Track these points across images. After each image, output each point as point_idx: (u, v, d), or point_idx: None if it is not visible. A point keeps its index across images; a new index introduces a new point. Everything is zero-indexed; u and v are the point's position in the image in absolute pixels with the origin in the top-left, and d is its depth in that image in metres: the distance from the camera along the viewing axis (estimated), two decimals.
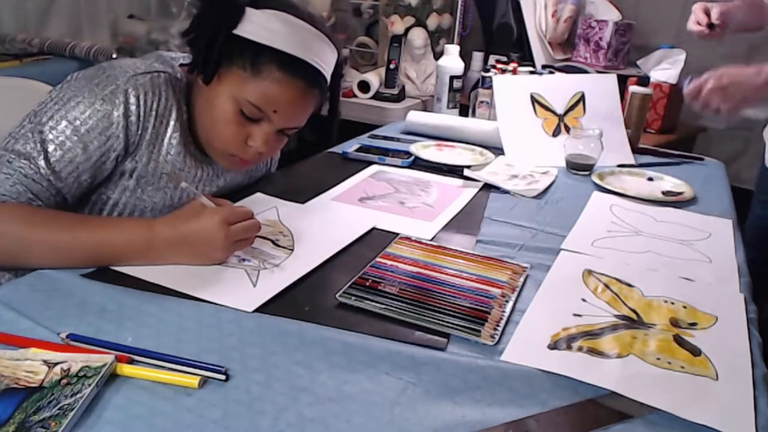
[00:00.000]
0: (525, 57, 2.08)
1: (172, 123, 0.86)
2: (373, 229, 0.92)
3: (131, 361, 0.57)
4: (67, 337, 0.59)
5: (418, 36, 2.03)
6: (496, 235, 0.93)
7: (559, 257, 0.86)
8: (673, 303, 0.75)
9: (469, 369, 0.60)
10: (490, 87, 1.55)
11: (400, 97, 1.99)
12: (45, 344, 0.58)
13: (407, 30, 2.06)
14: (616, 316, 0.72)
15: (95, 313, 0.65)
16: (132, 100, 0.80)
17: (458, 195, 1.10)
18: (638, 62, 2.04)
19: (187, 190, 0.78)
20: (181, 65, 0.90)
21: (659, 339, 0.67)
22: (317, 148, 1.35)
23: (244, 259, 0.78)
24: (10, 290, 0.69)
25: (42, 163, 0.76)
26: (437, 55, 2.05)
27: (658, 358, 0.64)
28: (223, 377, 0.56)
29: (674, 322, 0.71)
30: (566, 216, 1.02)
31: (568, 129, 1.36)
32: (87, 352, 0.57)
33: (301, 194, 1.03)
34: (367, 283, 0.74)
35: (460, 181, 1.17)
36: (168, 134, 0.86)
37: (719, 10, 1.31)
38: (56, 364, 0.56)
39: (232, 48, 0.81)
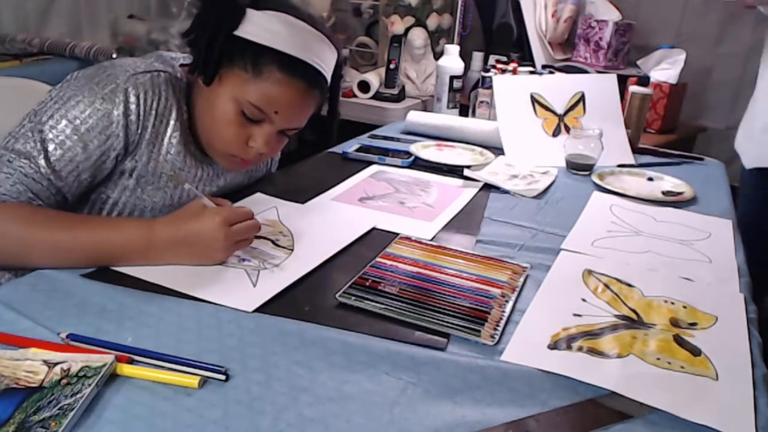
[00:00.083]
0: (525, 57, 2.08)
1: (172, 122, 0.86)
2: (373, 229, 0.92)
3: (131, 361, 0.57)
4: (67, 337, 0.59)
5: (418, 36, 2.03)
6: (496, 235, 0.93)
7: (559, 257, 0.86)
8: (673, 303, 0.75)
9: (469, 369, 0.60)
10: (490, 87, 1.55)
11: (400, 97, 1.99)
12: (45, 344, 0.58)
13: (407, 30, 2.06)
14: (616, 316, 0.72)
15: (95, 313, 0.65)
16: (132, 99, 0.80)
17: (458, 195, 1.10)
18: (638, 62, 2.04)
19: (189, 191, 0.78)
20: (182, 65, 0.90)
21: (659, 339, 0.67)
22: (317, 148, 1.35)
23: (244, 259, 0.78)
24: (10, 290, 0.69)
25: (42, 162, 0.76)
26: (437, 55, 2.05)
27: (658, 358, 0.64)
28: (223, 377, 0.56)
29: (674, 322, 0.71)
30: (566, 216, 1.02)
31: (568, 129, 1.36)
32: (87, 352, 0.57)
33: (301, 194, 1.03)
34: (367, 283, 0.74)
35: (460, 181, 1.17)
36: (168, 134, 0.86)
37: None
38: (56, 364, 0.56)
39: (233, 49, 0.81)
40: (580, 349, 0.64)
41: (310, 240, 0.86)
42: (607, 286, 0.79)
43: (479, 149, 1.35)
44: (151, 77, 0.83)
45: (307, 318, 0.67)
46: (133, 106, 0.81)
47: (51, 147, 0.77)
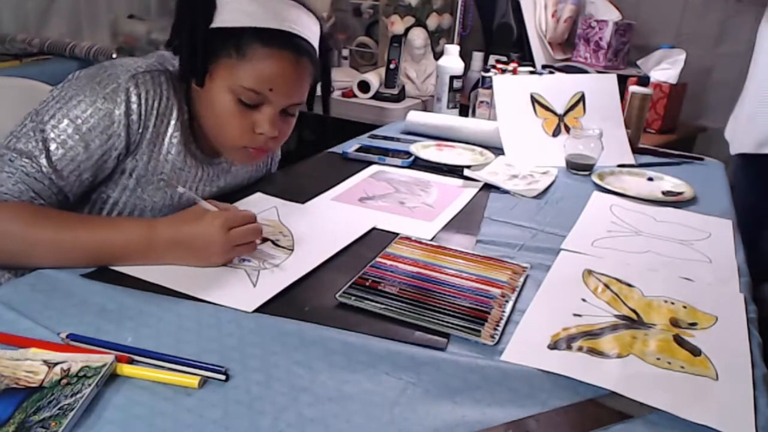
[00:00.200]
0: (525, 57, 2.08)
1: (173, 122, 0.86)
2: (373, 229, 0.92)
3: (131, 361, 0.57)
4: (67, 337, 0.59)
5: (418, 36, 2.03)
6: (496, 235, 0.93)
7: (559, 257, 0.86)
8: (673, 303, 0.75)
9: (469, 369, 0.60)
10: (490, 87, 1.55)
11: (400, 97, 1.99)
12: (45, 344, 0.58)
13: (407, 30, 2.06)
14: (616, 316, 0.72)
15: (95, 313, 0.65)
16: (133, 98, 0.80)
17: (458, 195, 1.10)
18: (638, 62, 2.04)
19: (185, 195, 0.78)
20: None
21: (659, 339, 0.67)
22: (317, 148, 1.35)
23: (244, 259, 0.78)
24: (10, 290, 0.69)
25: (44, 161, 0.76)
26: (437, 55, 2.05)
27: (658, 358, 0.64)
28: (223, 377, 0.56)
29: (674, 322, 0.71)
30: (566, 216, 1.02)
31: (568, 129, 1.36)
32: (87, 352, 0.57)
33: (301, 194, 1.03)
34: (367, 283, 0.74)
35: (460, 181, 1.17)
36: (169, 133, 0.86)
37: None
38: (56, 364, 0.56)
39: (215, 42, 0.81)
40: (580, 349, 0.64)
41: (310, 240, 0.86)
42: (607, 286, 0.79)
43: (479, 149, 1.35)
44: (153, 76, 0.83)
45: (307, 318, 0.67)
46: (134, 106, 0.81)
47: (53, 146, 0.77)
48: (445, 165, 1.23)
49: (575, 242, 0.92)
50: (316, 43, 0.87)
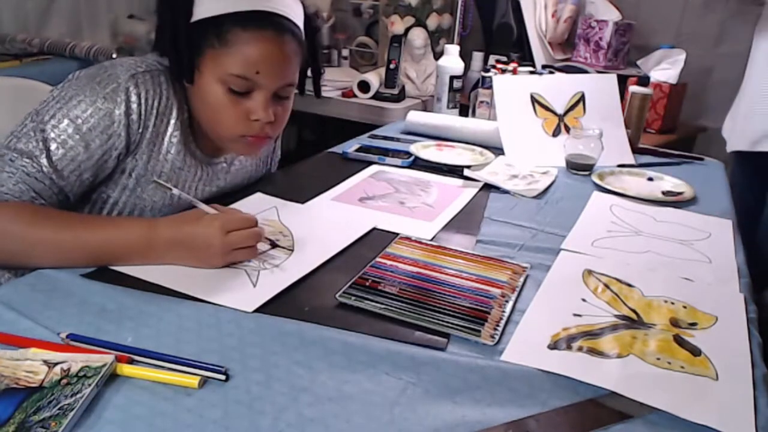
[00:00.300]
0: (525, 57, 2.08)
1: (172, 121, 0.86)
2: (373, 229, 0.92)
3: (131, 361, 0.57)
4: (67, 337, 0.59)
5: (418, 36, 2.03)
6: (496, 235, 0.93)
7: (559, 257, 0.86)
8: (673, 303, 0.75)
9: (469, 369, 0.60)
10: (490, 87, 1.55)
11: (400, 97, 1.99)
12: (45, 344, 0.58)
13: (407, 30, 2.06)
14: (616, 316, 0.72)
15: (95, 313, 0.65)
16: (133, 98, 0.81)
17: (458, 195, 1.10)
18: (638, 62, 2.04)
19: (181, 197, 0.78)
20: None
21: (659, 339, 0.67)
22: (317, 148, 1.35)
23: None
24: (10, 290, 0.69)
25: (44, 161, 0.76)
26: (437, 55, 2.05)
27: (658, 358, 0.64)
28: (223, 377, 0.56)
29: (674, 322, 0.71)
30: (566, 216, 1.02)
31: (568, 129, 1.36)
32: (87, 352, 0.57)
33: (301, 194, 1.03)
34: (367, 283, 0.74)
35: (460, 181, 1.17)
36: (168, 132, 0.86)
37: None
38: (56, 364, 0.56)
39: (197, 36, 0.81)
40: (580, 349, 0.64)
41: (310, 240, 0.86)
42: (607, 286, 0.79)
43: (479, 149, 1.35)
44: (152, 76, 0.83)
45: (307, 318, 0.67)
46: (134, 105, 0.81)
47: (53, 146, 0.77)
48: (445, 165, 1.23)
49: (575, 242, 0.92)
50: (299, 22, 0.86)
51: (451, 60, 1.64)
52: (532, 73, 1.70)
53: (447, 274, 0.78)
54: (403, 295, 0.72)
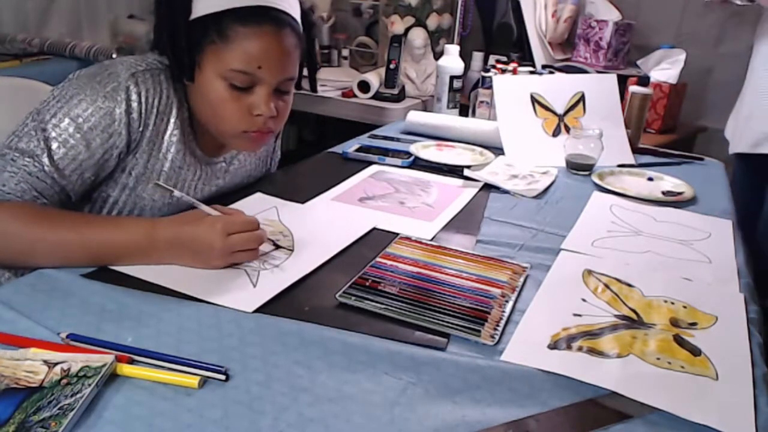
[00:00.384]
0: (525, 57, 2.08)
1: (172, 120, 0.86)
2: (373, 229, 0.92)
3: (131, 361, 0.57)
4: (67, 337, 0.59)
5: (418, 36, 2.03)
6: (496, 235, 0.93)
7: (559, 257, 0.86)
8: (673, 303, 0.75)
9: (469, 369, 0.60)
10: (490, 87, 1.55)
11: (400, 97, 1.99)
12: (45, 344, 0.58)
13: (407, 30, 2.06)
14: (616, 316, 0.72)
15: (95, 313, 0.65)
16: (134, 96, 0.81)
17: (458, 195, 1.10)
18: (638, 62, 2.04)
19: (183, 199, 0.78)
20: None
21: (659, 339, 0.67)
22: (317, 148, 1.35)
23: None
24: (10, 290, 0.69)
25: (46, 160, 0.76)
26: (437, 55, 2.05)
27: (658, 358, 0.64)
28: (223, 377, 0.56)
29: (674, 322, 0.71)
30: (566, 216, 1.02)
31: (568, 129, 1.36)
32: (87, 352, 0.57)
33: (301, 194, 1.03)
34: (367, 283, 0.74)
35: (460, 181, 1.17)
36: (168, 131, 0.86)
37: None
38: (56, 364, 0.56)
39: (197, 33, 0.81)
40: (580, 349, 0.64)
41: (310, 240, 0.86)
42: (607, 286, 0.79)
43: (479, 149, 1.35)
44: (153, 75, 0.83)
45: (307, 318, 0.67)
46: (135, 104, 0.81)
47: (54, 145, 0.77)
48: (445, 165, 1.23)
49: (575, 242, 0.92)
50: (297, 16, 0.86)
51: (451, 60, 1.64)
52: (532, 73, 1.70)
53: (447, 274, 0.78)
54: (403, 295, 0.72)
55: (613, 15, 2.11)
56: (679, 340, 0.67)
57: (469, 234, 0.94)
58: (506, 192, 1.13)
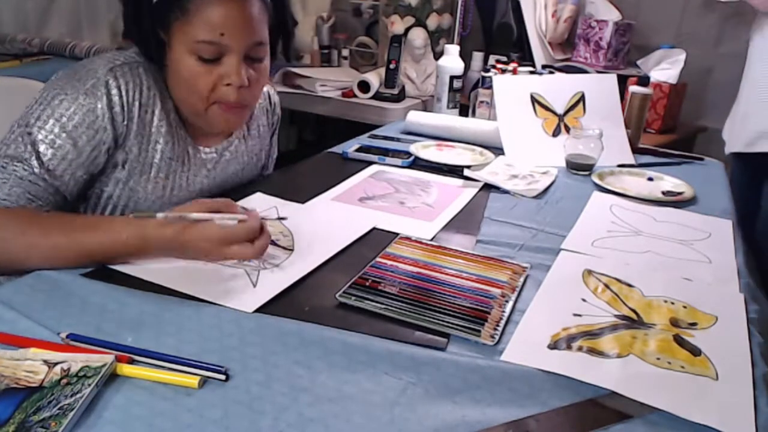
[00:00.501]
0: (525, 57, 2.08)
1: (157, 111, 0.86)
2: (373, 229, 0.92)
3: (131, 361, 0.57)
4: (67, 337, 0.59)
5: (418, 36, 2.03)
6: (496, 235, 0.93)
7: (559, 257, 0.86)
8: (673, 303, 0.75)
9: (469, 369, 0.60)
10: (490, 87, 1.55)
11: (400, 97, 1.99)
12: (45, 344, 0.58)
13: (407, 30, 2.06)
14: (616, 316, 0.72)
15: (95, 313, 0.65)
16: (114, 91, 0.81)
17: (458, 195, 1.10)
18: (638, 62, 2.04)
19: (168, 218, 0.75)
20: None
21: (659, 339, 0.67)
22: (317, 148, 1.35)
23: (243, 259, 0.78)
24: (10, 290, 0.68)
25: (35, 163, 0.77)
26: (437, 55, 2.05)
27: (658, 358, 0.64)
28: (223, 377, 0.56)
29: (674, 322, 0.71)
30: (566, 216, 1.02)
31: (568, 129, 1.36)
32: (87, 352, 0.57)
33: (301, 194, 1.03)
34: (367, 283, 0.74)
35: (460, 181, 1.17)
36: (155, 123, 0.87)
37: None
38: (56, 364, 0.56)
39: (162, 13, 0.81)
40: (580, 349, 0.64)
41: (310, 240, 0.86)
42: (607, 286, 0.79)
43: (479, 149, 1.35)
44: (131, 68, 0.84)
45: (307, 318, 0.67)
46: (116, 98, 0.81)
47: (42, 148, 0.77)
48: (445, 165, 1.23)
49: (575, 242, 0.92)
50: None
51: (451, 60, 1.64)
52: (532, 73, 1.70)
53: (447, 274, 0.78)
54: (403, 295, 0.72)
55: (613, 15, 2.11)
56: (679, 340, 0.67)
57: (469, 234, 0.94)
58: (506, 192, 1.13)
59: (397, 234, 0.90)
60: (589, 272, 0.82)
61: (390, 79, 1.99)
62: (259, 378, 0.57)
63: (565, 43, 2.29)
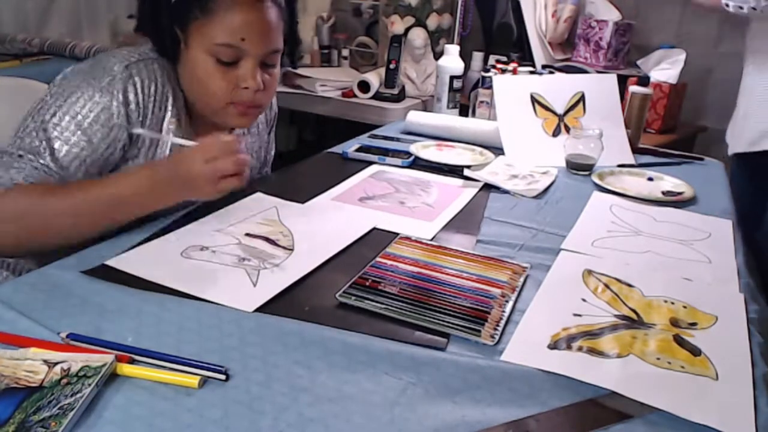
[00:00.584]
0: (525, 57, 2.07)
1: (170, 108, 0.88)
2: (373, 229, 0.92)
3: (131, 361, 0.57)
4: (67, 336, 0.59)
5: (418, 36, 2.03)
6: (496, 235, 0.93)
7: (559, 257, 0.86)
8: (673, 303, 0.75)
9: (469, 369, 0.60)
10: (490, 87, 1.55)
11: (400, 97, 1.99)
12: (45, 344, 0.58)
13: (407, 30, 2.06)
14: (616, 316, 0.72)
15: (95, 313, 0.65)
16: (130, 88, 0.82)
17: (458, 195, 1.10)
18: (638, 62, 2.04)
19: (145, 135, 0.82)
20: None
21: (659, 339, 0.67)
22: (317, 148, 1.35)
23: (244, 259, 0.78)
24: (10, 290, 0.69)
25: (49, 159, 0.78)
26: (437, 55, 2.05)
27: (658, 358, 0.64)
28: (223, 377, 0.56)
29: (674, 322, 0.71)
30: (566, 216, 1.02)
31: (568, 129, 1.36)
32: (87, 351, 0.57)
33: (301, 194, 1.03)
34: (367, 283, 0.74)
35: (460, 181, 1.17)
36: (167, 119, 0.88)
37: None
38: (56, 363, 0.56)
39: (180, 11, 0.82)
40: (580, 349, 0.64)
41: (310, 240, 0.86)
42: (607, 286, 0.79)
43: (479, 149, 1.35)
44: (146, 65, 0.84)
45: (307, 318, 0.67)
46: (131, 96, 0.82)
47: (57, 144, 0.78)
48: (445, 165, 1.23)
49: (575, 242, 0.92)
50: None
51: (451, 60, 1.64)
52: (532, 73, 1.70)
53: (447, 274, 0.78)
54: (403, 295, 0.72)
55: (613, 15, 2.11)
56: (679, 340, 0.67)
57: (469, 234, 0.94)
58: (506, 192, 1.13)
59: (397, 234, 0.90)
60: (589, 272, 0.82)
61: (390, 79, 1.99)
62: (259, 378, 0.57)
63: (565, 43, 2.29)
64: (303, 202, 1.01)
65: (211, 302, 0.68)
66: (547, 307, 0.73)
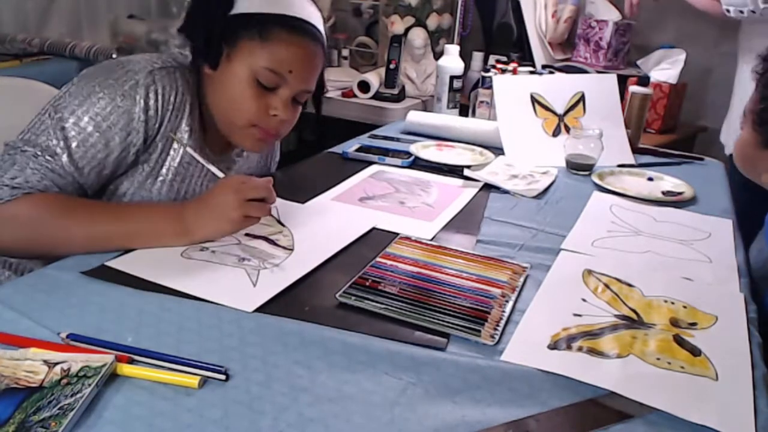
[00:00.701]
0: (525, 57, 2.08)
1: (185, 117, 0.88)
2: (373, 229, 0.92)
3: (131, 361, 0.57)
4: (67, 337, 0.59)
5: (418, 36, 2.03)
6: (496, 235, 0.93)
7: (559, 257, 0.86)
8: (673, 303, 0.75)
9: (469, 369, 0.60)
10: (490, 87, 1.55)
11: (400, 97, 1.99)
12: (45, 344, 0.58)
13: (407, 30, 2.06)
14: (616, 316, 0.72)
15: (95, 313, 0.65)
16: (152, 95, 0.82)
17: (458, 195, 1.10)
18: (638, 62, 2.04)
19: (189, 151, 0.85)
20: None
21: (659, 339, 0.67)
22: (317, 148, 1.35)
23: (244, 259, 0.78)
24: (10, 290, 0.69)
25: (65, 159, 0.78)
26: (437, 55, 2.05)
27: (658, 358, 0.64)
28: (223, 377, 0.56)
29: (674, 322, 0.71)
30: (566, 216, 1.02)
31: (568, 129, 1.36)
32: (87, 352, 0.57)
33: (301, 194, 1.03)
34: (367, 283, 0.74)
35: (460, 181, 1.17)
36: (181, 128, 0.88)
37: None
38: (56, 364, 0.56)
39: (235, 26, 0.83)
40: (580, 349, 0.64)
41: (310, 240, 0.86)
42: (607, 286, 0.79)
43: (479, 149, 1.35)
44: (168, 72, 0.85)
45: (307, 318, 0.67)
46: (152, 102, 0.82)
47: (74, 144, 0.78)
48: (445, 165, 1.23)
49: (575, 242, 0.92)
50: (325, 41, 0.91)
51: (451, 60, 1.64)
52: (532, 73, 1.70)
53: (447, 274, 0.78)
54: (403, 295, 0.72)
55: (613, 15, 2.11)
56: (679, 340, 0.67)
57: (469, 234, 0.94)
58: (506, 192, 1.13)
59: (397, 234, 0.90)
60: (589, 272, 0.82)
61: (390, 79, 1.99)
62: (259, 378, 0.57)
63: (565, 43, 2.29)
64: (303, 202, 1.01)
65: (211, 302, 0.68)
66: (547, 307, 0.73)
